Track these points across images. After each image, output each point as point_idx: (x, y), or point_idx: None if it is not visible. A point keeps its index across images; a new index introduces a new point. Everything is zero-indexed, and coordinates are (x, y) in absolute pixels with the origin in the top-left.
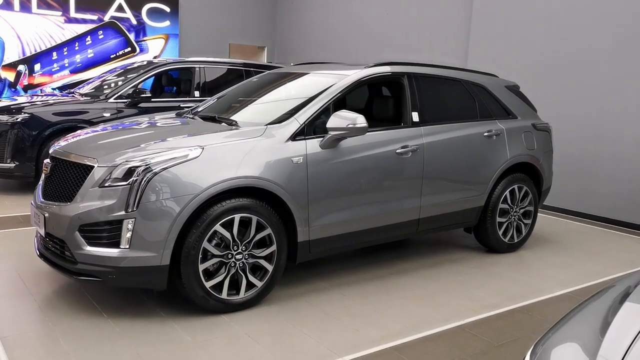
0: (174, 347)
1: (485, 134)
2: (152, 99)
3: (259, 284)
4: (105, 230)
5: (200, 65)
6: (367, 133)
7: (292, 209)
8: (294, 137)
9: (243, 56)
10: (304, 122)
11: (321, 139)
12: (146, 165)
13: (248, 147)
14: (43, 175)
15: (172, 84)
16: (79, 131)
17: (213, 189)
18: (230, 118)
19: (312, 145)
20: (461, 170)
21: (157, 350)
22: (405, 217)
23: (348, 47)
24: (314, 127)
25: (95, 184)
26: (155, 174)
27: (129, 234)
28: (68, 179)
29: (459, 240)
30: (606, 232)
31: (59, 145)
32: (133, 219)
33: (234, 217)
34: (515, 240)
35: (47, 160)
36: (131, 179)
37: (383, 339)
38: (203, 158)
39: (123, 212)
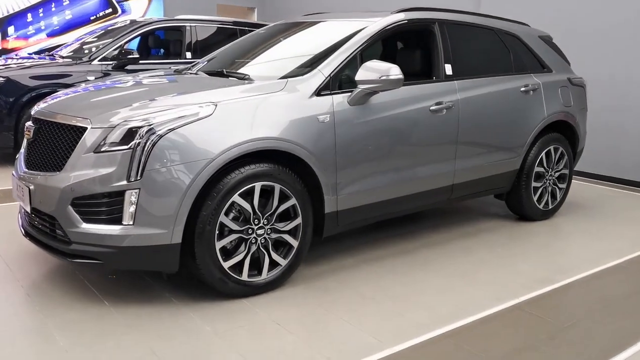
0: (192, 339)
1: (522, 89)
2: (140, 61)
3: (282, 262)
4: (104, 204)
5: (190, 24)
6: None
7: (319, 175)
8: (319, 91)
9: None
10: (330, 75)
11: (349, 94)
12: (149, 125)
13: (268, 103)
14: (25, 142)
15: (160, 45)
16: (61, 91)
17: (230, 152)
18: (241, 72)
19: (339, 101)
20: (498, 129)
21: (173, 344)
22: (439, 182)
23: (347, 9)
24: (340, 81)
25: (89, 149)
26: (161, 136)
27: (132, 208)
28: (55, 143)
29: (484, 208)
30: (634, 195)
31: (44, 105)
32: (137, 190)
33: (254, 186)
34: (550, 207)
35: (29, 123)
36: (133, 142)
37: (433, 323)
38: (216, 116)
39: (124, 182)
